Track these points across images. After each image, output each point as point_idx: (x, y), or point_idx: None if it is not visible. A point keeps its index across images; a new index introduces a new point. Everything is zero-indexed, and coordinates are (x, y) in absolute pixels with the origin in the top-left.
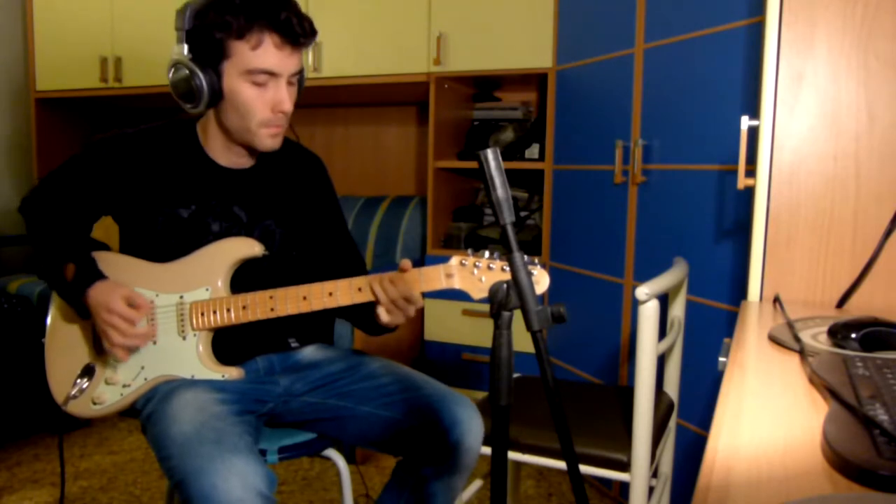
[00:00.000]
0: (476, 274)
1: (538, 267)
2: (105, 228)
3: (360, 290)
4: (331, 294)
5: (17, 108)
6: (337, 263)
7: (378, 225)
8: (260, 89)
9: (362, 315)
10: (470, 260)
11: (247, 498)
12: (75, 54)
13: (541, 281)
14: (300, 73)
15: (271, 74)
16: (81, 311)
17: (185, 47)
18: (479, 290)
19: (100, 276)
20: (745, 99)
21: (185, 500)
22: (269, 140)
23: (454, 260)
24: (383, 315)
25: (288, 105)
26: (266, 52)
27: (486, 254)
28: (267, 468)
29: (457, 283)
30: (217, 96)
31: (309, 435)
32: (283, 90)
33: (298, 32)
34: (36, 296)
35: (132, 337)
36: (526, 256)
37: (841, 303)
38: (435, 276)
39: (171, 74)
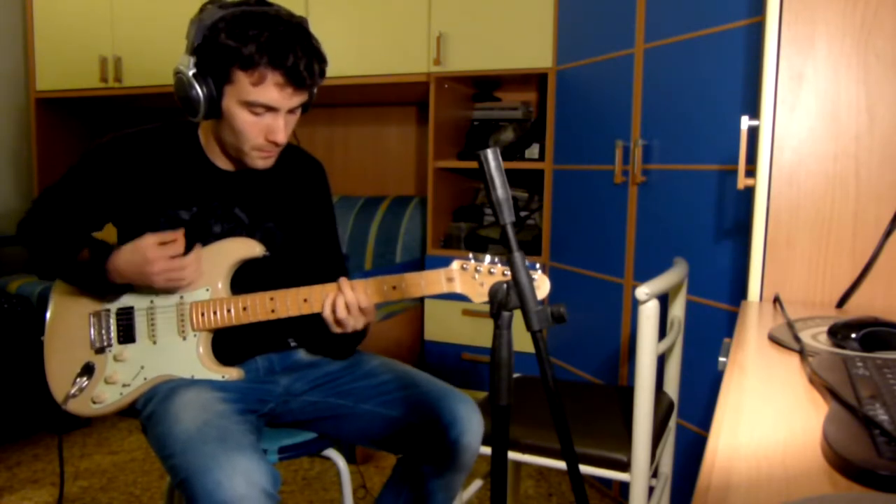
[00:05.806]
0: (477, 278)
1: (539, 272)
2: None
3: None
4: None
5: (17, 108)
6: (319, 271)
7: (378, 225)
8: (257, 117)
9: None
10: (471, 264)
11: (251, 495)
12: (75, 54)
13: (542, 286)
14: (304, 104)
15: (269, 108)
16: (112, 289)
17: (192, 60)
18: (479, 295)
19: (113, 248)
20: (745, 99)
21: (189, 498)
22: (260, 161)
23: (455, 264)
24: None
25: (282, 137)
26: (266, 90)
27: (488, 258)
28: (271, 466)
29: (458, 287)
30: (215, 112)
31: (309, 435)
32: (280, 121)
33: (304, 77)
34: (36, 296)
35: (189, 266)
36: (527, 261)
37: (841, 303)
38: (436, 280)
39: (174, 81)
